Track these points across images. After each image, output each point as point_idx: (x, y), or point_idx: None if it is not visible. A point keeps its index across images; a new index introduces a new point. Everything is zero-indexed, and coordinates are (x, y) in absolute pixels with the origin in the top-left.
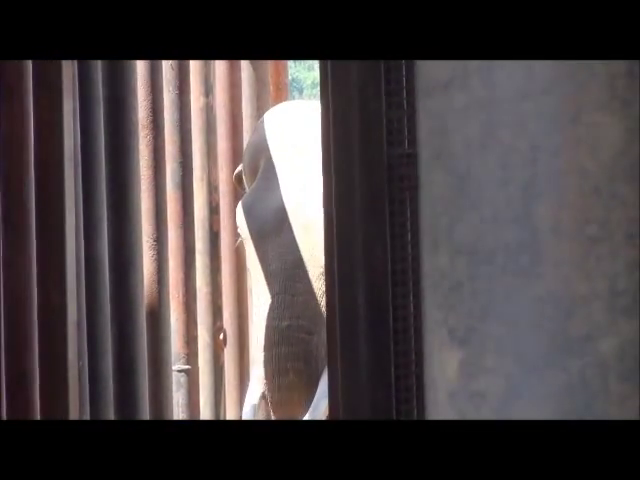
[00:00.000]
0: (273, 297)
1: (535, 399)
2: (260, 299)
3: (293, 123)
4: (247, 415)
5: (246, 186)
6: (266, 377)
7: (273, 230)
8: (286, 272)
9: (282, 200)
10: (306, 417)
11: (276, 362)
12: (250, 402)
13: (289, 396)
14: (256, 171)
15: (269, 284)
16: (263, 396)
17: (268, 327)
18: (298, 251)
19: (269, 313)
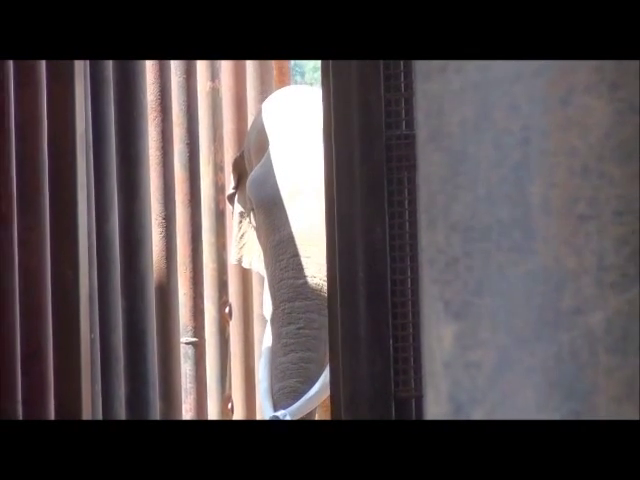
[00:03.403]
0: (287, 260)
1: (526, 370)
2: (273, 265)
3: (298, 102)
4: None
5: (248, 165)
6: (273, 327)
7: (286, 198)
8: (300, 236)
9: (293, 171)
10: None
11: (288, 314)
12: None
13: (303, 341)
14: (263, 148)
15: (282, 249)
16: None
17: (283, 287)
18: (311, 217)
19: (284, 274)
